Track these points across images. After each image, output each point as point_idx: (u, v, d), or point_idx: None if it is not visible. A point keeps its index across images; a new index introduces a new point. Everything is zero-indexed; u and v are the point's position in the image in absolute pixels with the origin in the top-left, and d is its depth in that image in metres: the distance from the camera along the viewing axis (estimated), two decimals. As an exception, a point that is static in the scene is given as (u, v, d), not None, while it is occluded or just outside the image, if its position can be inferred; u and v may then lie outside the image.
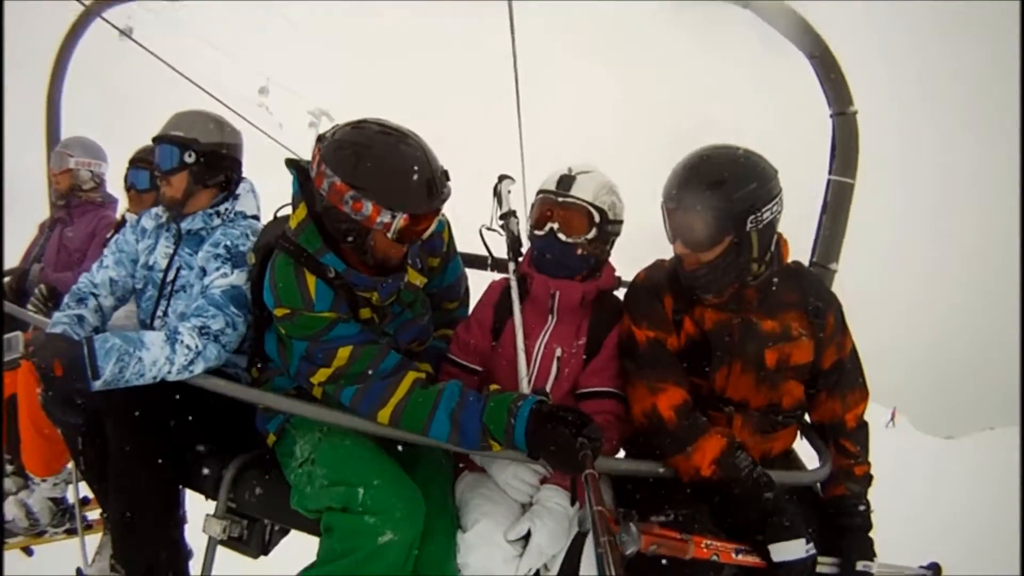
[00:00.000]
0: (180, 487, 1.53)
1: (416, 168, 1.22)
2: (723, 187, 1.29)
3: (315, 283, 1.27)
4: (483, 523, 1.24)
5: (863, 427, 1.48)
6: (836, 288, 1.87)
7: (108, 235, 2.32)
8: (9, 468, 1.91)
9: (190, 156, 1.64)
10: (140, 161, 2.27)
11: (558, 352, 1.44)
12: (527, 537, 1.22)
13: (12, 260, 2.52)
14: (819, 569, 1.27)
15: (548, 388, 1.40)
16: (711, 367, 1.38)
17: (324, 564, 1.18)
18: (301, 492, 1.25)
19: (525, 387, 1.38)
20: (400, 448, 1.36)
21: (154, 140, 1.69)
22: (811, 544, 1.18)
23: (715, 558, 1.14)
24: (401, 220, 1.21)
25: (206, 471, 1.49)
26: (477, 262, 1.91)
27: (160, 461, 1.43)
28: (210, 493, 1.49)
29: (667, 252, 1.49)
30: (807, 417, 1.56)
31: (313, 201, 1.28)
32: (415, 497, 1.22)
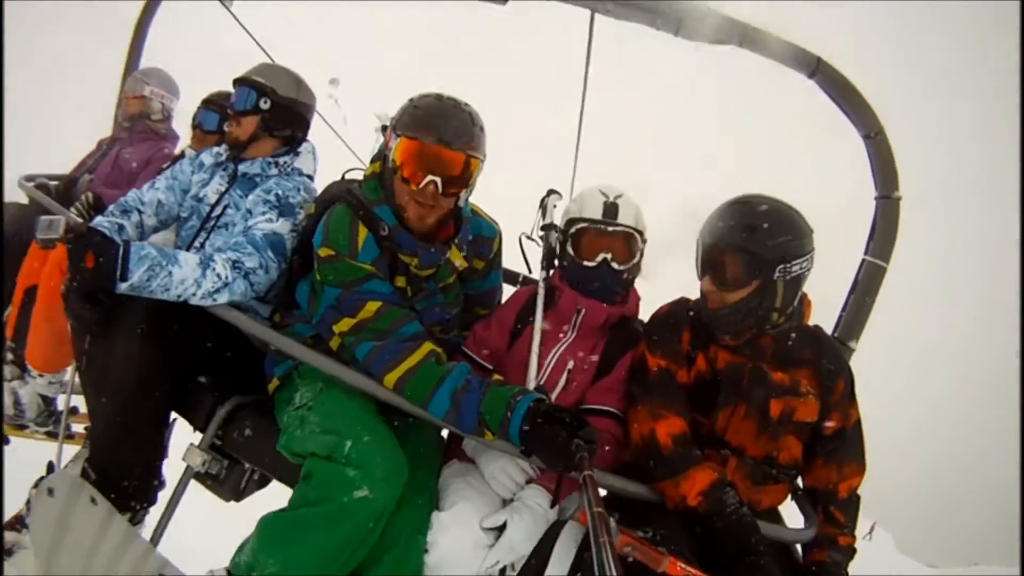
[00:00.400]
0: (171, 412, 1.53)
1: (433, 109, 1.34)
2: (759, 232, 1.35)
3: (365, 235, 1.35)
4: (460, 505, 1.24)
5: (854, 500, 1.49)
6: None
7: (164, 166, 2.42)
8: (9, 356, 1.94)
9: (265, 103, 1.73)
10: (212, 103, 2.38)
11: (570, 364, 1.46)
12: (501, 530, 1.21)
13: (64, 168, 2.62)
14: None
15: (554, 397, 1.42)
16: (716, 407, 1.40)
17: (294, 509, 1.18)
18: (290, 434, 1.27)
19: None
20: (396, 424, 1.37)
21: (235, 81, 1.78)
22: None
23: None
24: (397, 143, 1.32)
25: (201, 403, 1.51)
26: (509, 277, 1.97)
27: (159, 380, 1.44)
28: (200, 425, 1.51)
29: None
30: (800, 481, 1.56)
31: (385, 160, 1.39)
32: (399, 461, 1.23)
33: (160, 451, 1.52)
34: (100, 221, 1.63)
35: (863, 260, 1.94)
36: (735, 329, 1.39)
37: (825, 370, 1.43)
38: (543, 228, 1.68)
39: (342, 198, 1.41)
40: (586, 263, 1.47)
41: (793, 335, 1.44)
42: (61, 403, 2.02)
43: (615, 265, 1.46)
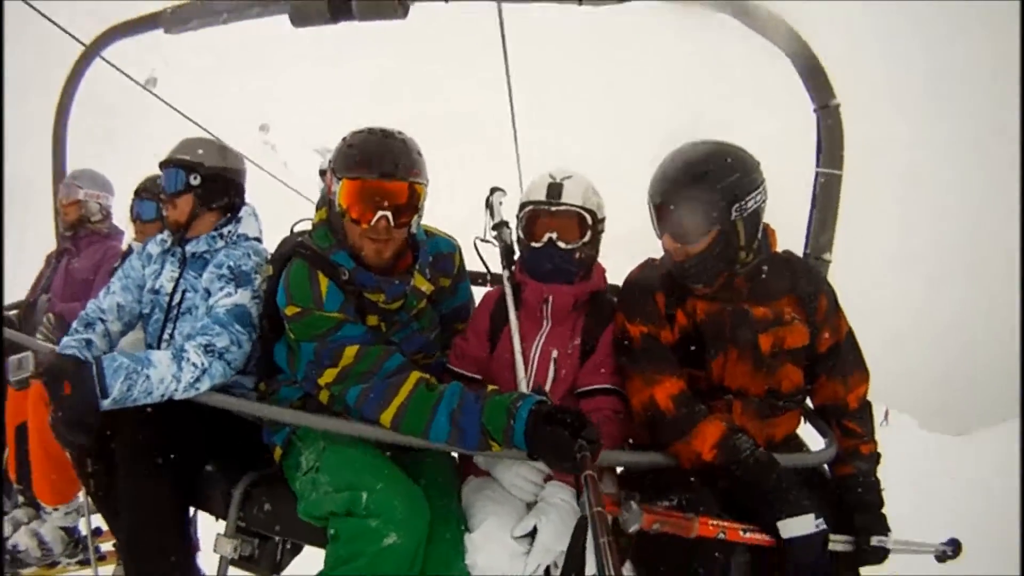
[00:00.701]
0: (190, 508, 1.55)
1: (365, 145, 1.36)
2: (706, 179, 1.34)
3: (327, 284, 1.36)
4: (489, 522, 1.26)
5: (866, 407, 1.50)
6: (831, 282, 1.91)
7: (115, 265, 2.38)
8: (20, 499, 1.94)
9: (195, 179, 1.72)
10: (145, 192, 2.36)
11: (554, 354, 1.48)
12: (534, 535, 1.23)
13: (20, 292, 2.58)
14: (834, 547, 1.28)
15: (548, 390, 1.43)
16: (707, 357, 1.41)
17: (331, 571, 1.20)
18: (307, 500, 1.29)
19: (524, 389, 1.41)
20: (407, 460, 1.39)
21: (161, 164, 1.77)
22: (820, 519, 1.19)
23: (722, 535, 1.14)
24: (340, 186, 1.34)
25: (215, 490, 1.52)
26: (476, 278, 1.98)
27: (168, 481, 1.45)
28: (220, 512, 1.52)
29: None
30: (810, 403, 1.57)
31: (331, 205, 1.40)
32: (418, 500, 1.25)
33: (189, 549, 1.54)
34: (67, 342, 1.62)
35: (816, 173, 1.97)
36: (706, 277, 1.39)
37: (804, 293, 1.44)
38: (495, 227, 1.69)
39: (296, 253, 1.41)
40: (533, 244, 1.48)
41: (765, 268, 1.44)
42: (82, 526, 2.02)
43: (561, 244, 1.46)
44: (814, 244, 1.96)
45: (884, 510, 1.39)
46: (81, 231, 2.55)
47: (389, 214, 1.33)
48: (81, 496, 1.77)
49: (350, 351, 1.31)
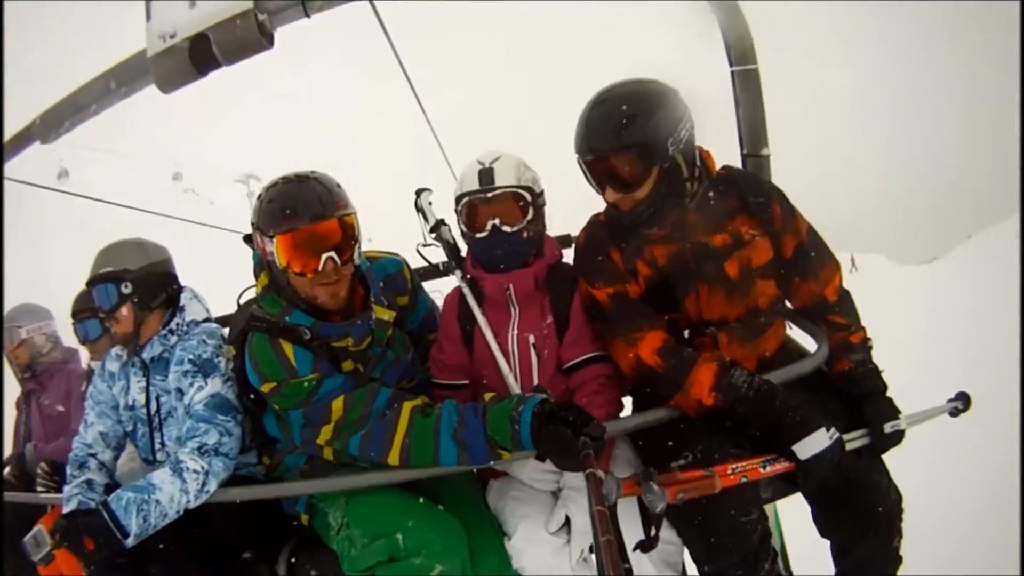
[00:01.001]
0: None
1: (282, 195, 1.35)
2: (634, 122, 1.30)
3: (292, 350, 1.35)
4: (523, 525, 1.30)
5: (845, 296, 1.51)
6: (774, 173, 1.93)
7: (82, 387, 2.33)
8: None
9: (127, 287, 1.67)
10: (81, 312, 2.30)
11: (531, 339, 1.48)
12: (568, 523, 1.28)
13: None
14: (851, 445, 1.29)
15: (534, 374, 1.46)
16: (679, 298, 1.41)
17: None
18: (349, 557, 1.32)
19: (513, 383, 1.44)
20: (427, 487, 1.42)
21: (88, 283, 1.71)
22: (832, 430, 1.19)
23: (744, 479, 1.16)
24: (276, 244, 1.32)
25: (259, 574, 1.55)
26: (432, 273, 1.94)
27: None
28: (273, 591, 1.55)
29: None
30: (789, 305, 1.59)
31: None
32: (452, 526, 1.30)
33: None
34: (70, 492, 1.62)
35: (731, 72, 1.96)
36: (659, 218, 1.37)
37: (756, 206, 1.43)
38: (432, 229, 1.66)
39: (251, 327, 1.40)
40: (478, 235, 1.47)
41: (711, 192, 1.43)
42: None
43: (506, 229, 1.45)
44: (750, 141, 1.98)
45: (889, 393, 1.41)
46: (37, 368, 2.49)
47: (333, 254, 1.33)
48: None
49: (337, 404, 1.32)
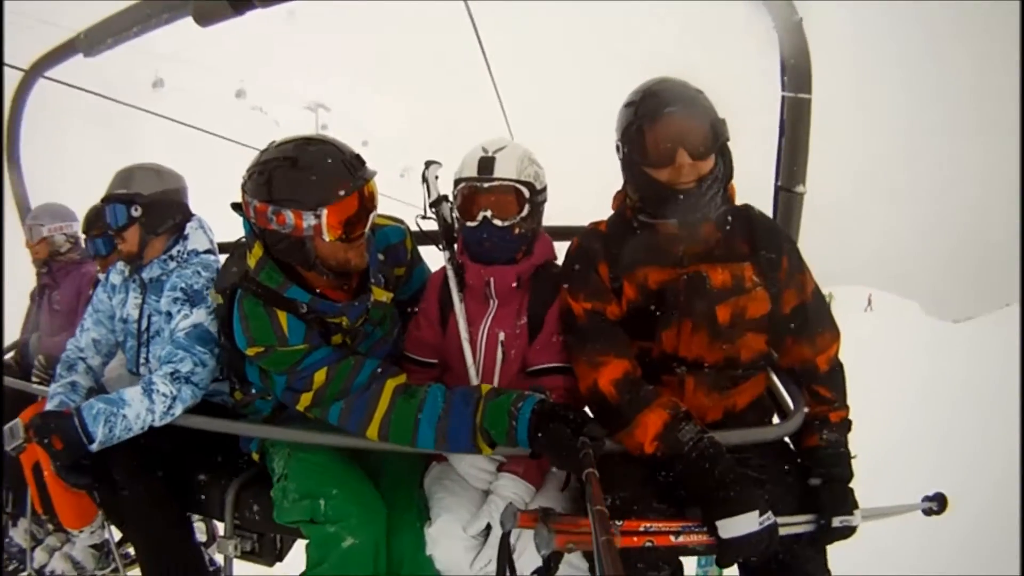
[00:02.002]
0: (189, 515, 1.75)
1: (317, 163, 1.31)
2: (702, 96, 1.35)
3: (286, 318, 1.38)
4: (444, 517, 1.35)
5: (837, 369, 1.46)
6: (806, 211, 1.88)
7: (91, 291, 2.55)
8: (50, 527, 2.23)
9: (136, 210, 1.82)
10: (93, 230, 2.49)
11: (501, 336, 1.50)
12: (488, 530, 1.33)
13: (12, 334, 2.80)
14: (793, 530, 1.26)
15: (496, 372, 1.50)
16: (658, 328, 1.37)
17: (310, 570, 1.35)
18: (279, 507, 1.43)
19: (473, 375, 1.49)
20: (372, 455, 1.51)
21: (102, 201, 1.87)
22: (767, 515, 1.14)
23: (649, 544, 1.11)
24: (326, 217, 1.30)
25: (210, 497, 1.72)
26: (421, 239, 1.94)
27: (166, 497, 1.68)
28: (218, 516, 1.72)
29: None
30: (778, 360, 1.53)
31: (265, 237, 1.37)
32: (372, 502, 1.39)
33: (197, 553, 1.76)
34: (54, 389, 1.81)
35: (783, 98, 1.90)
36: (711, 205, 1.33)
37: (766, 260, 1.39)
38: (432, 204, 1.65)
39: (244, 287, 1.41)
40: (469, 223, 1.48)
41: (730, 218, 1.41)
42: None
43: (497, 222, 1.45)
44: (786, 176, 1.92)
45: (852, 483, 1.35)
46: (54, 265, 2.73)
47: (375, 213, 1.40)
48: (100, 516, 2.01)
49: (319, 375, 1.36)
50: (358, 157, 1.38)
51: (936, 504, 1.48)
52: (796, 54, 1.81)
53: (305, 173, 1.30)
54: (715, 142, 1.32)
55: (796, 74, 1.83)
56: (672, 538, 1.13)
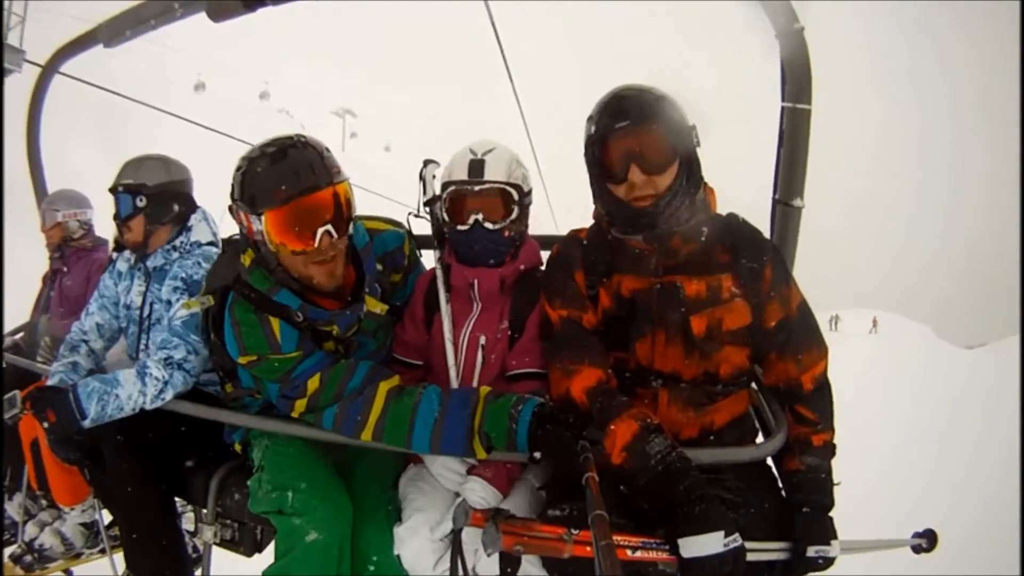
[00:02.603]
0: (174, 499, 1.83)
1: (275, 170, 1.30)
2: (668, 101, 1.32)
3: (279, 325, 1.40)
4: (414, 518, 1.40)
5: (824, 389, 1.42)
6: (814, 233, 1.89)
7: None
8: (44, 503, 2.35)
9: (141, 200, 1.94)
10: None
11: (482, 340, 1.54)
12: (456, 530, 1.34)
13: (16, 310, 2.96)
14: (765, 556, 1.24)
15: (476, 375, 1.54)
16: (632, 339, 1.38)
17: (278, 560, 1.41)
18: (254, 497, 1.49)
19: (454, 377, 1.53)
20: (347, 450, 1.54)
21: (109, 191, 1.99)
22: (734, 537, 1.11)
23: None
24: (266, 222, 1.30)
25: (195, 483, 1.80)
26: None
27: (152, 479, 1.76)
28: (201, 502, 1.79)
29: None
30: (762, 377, 1.52)
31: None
32: (339, 499, 1.43)
33: (179, 537, 1.84)
34: (56, 367, 1.93)
35: (782, 108, 1.91)
36: (675, 218, 1.33)
37: (746, 270, 1.37)
38: (427, 203, 1.66)
39: (237, 291, 1.44)
40: (459, 227, 1.51)
41: (705, 228, 1.39)
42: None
43: (488, 225, 1.48)
44: (784, 188, 1.93)
45: (833, 512, 1.33)
46: (67, 250, 2.88)
47: (329, 228, 1.32)
48: (92, 495, 2.12)
49: (312, 382, 1.39)
50: (324, 162, 1.34)
51: (926, 541, 1.44)
52: (796, 63, 1.83)
53: (258, 175, 1.32)
54: (673, 155, 1.31)
55: (796, 83, 1.85)
56: (629, 552, 1.11)
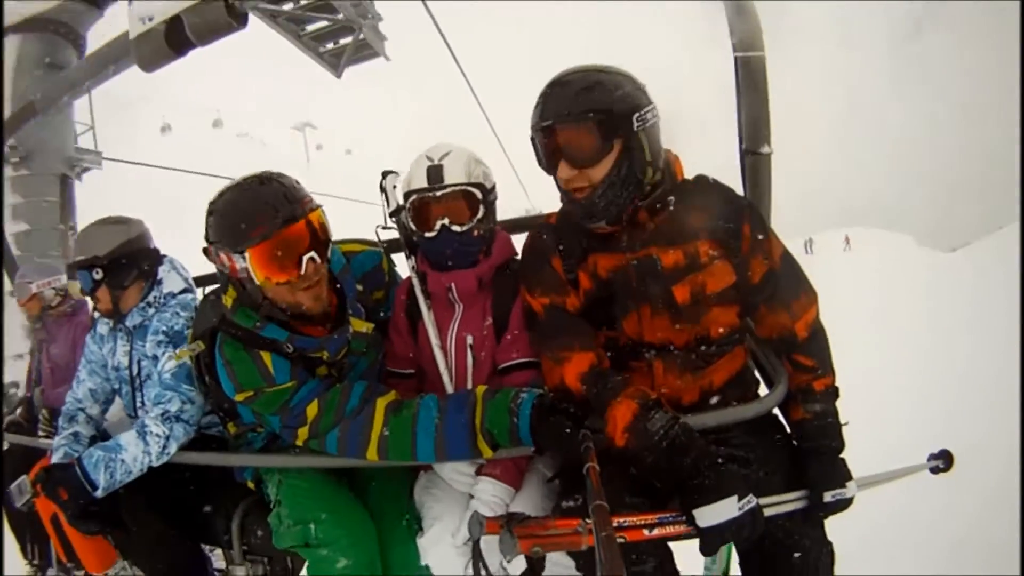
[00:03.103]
0: (200, 547, 1.89)
1: (240, 205, 1.37)
2: (600, 88, 1.30)
3: (270, 358, 1.45)
4: (435, 528, 1.45)
5: (818, 334, 1.44)
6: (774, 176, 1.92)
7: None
8: (77, 574, 2.41)
9: (98, 273, 1.94)
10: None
11: (469, 340, 1.58)
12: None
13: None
14: (783, 508, 1.27)
15: (469, 375, 1.58)
16: (617, 316, 1.39)
17: None
18: (277, 533, 1.55)
19: (447, 380, 1.57)
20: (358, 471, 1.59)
21: (68, 268, 2.00)
22: (748, 498, 1.13)
23: (621, 540, 1.11)
24: (250, 259, 1.35)
25: (216, 527, 1.86)
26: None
27: (174, 533, 1.83)
28: (227, 545, 1.85)
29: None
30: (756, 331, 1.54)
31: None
32: (361, 522, 1.49)
33: None
34: (58, 442, 1.96)
35: (735, 58, 1.93)
36: (617, 208, 1.34)
37: (723, 230, 1.38)
38: (392, 214, 1.68)
39: (224, 331, 1.49)
40: (427, 234, 1.54)
41: (672, 199, 1.39)
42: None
43: (456, 228, 1.51)
44: (749, 138, 1.96)
45: (843, 454, 1.35)
46: (47, 319, 2.91)
47: (313, 254, 1.39)
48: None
49: (311, 409, 1.42)
50: (296, 193, 1.40)
51: (943, 462, 1.49)
52: (743, 14, 1.85)
53: (234, 215, 1.38)
54: (605, 146, 1.29)
55: (745, 34, 1.88)
56: (645, 531, 1.14)
